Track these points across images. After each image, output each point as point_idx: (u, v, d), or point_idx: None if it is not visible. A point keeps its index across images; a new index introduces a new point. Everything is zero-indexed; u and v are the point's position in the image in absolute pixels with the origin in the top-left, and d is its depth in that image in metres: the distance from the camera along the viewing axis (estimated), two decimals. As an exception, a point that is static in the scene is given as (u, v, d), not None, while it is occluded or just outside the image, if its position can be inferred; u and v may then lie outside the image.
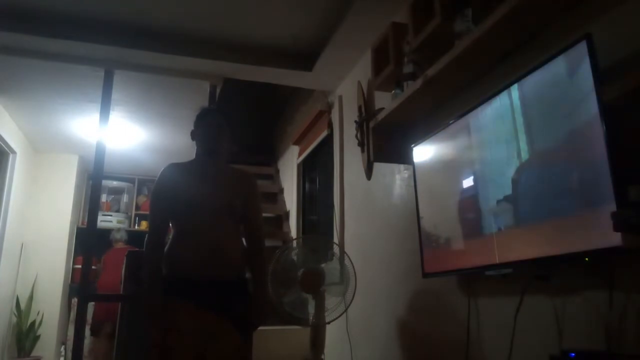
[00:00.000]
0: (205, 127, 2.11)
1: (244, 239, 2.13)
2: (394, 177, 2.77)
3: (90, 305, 4.80)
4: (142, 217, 6.25)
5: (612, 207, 1.24)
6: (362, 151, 3.02)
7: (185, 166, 2.13)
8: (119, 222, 6.04)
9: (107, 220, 5.97)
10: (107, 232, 5.57)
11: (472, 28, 1.82)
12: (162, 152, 5.14)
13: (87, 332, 4.59)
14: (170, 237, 2.05)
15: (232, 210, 2.04)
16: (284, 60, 3.43)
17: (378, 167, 2.97)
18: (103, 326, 4.60)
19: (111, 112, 3.51)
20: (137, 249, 4.16)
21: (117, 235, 5.35)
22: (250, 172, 2.47)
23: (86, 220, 3.73)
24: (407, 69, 2.30)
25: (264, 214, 5.11)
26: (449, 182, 2.05)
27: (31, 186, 5.24)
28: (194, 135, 2.15)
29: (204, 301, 1.90)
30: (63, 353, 5.15)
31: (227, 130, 2.13)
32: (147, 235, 2.05)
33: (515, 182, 1.64)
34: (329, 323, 2.65)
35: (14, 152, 4.66)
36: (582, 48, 1.37)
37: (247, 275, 2.09)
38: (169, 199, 2.02)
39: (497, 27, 1.67)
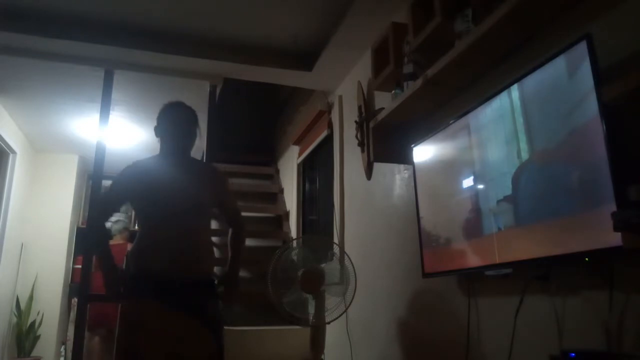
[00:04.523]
0: (170, 123, 2.05)
1: (227, 225, 2.16)
2: (394, 177, 2.77)
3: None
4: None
5: (612, 207, 1.24)
6: (362, 151, 3.02)
7: (150, 163, 2.07)
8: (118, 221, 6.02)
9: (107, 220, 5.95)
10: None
11: (472, 28, 1.82)
12: (162, 152, 5.13)
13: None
14: (137, 236, 2.01)
15: (201, 208, 2.01)
16: (284, 60, 3.43)
17: (378, 167, 2.97)
18: (95, 332, 4.29)
19: (111, 112, 3.50)
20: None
21: (116, 227, 4.91)
22: (213, 164, 2.39)
23: (86, 220, 3.72)
24: (407, 69, 2.30)
25: (264, 214, 5.12)
26: (449, 182, 2.05)
27: (31, 186, 5.23)
28: (157, 131, 2.07)
29: (173, 302, 1.85)
30: (63, 353, 5.14)
31: (193, 125, 2.07)
32: (93, 219, 2.06)
33: (515, 182, 1.64)
34: (329, 323, 2.65)
35: (14, 152, 4.66)
36: (582, 48, 1.37)
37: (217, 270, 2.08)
38: (134, 196, 1.99)
39: (497, 27, 1.67)
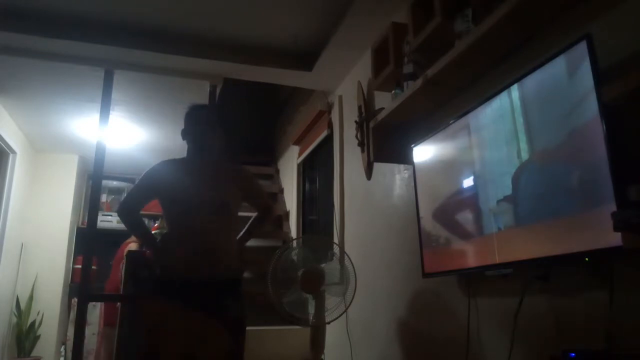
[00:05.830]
0: (196, 125, 2.10)
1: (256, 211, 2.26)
2: (394, 177, 2.77)
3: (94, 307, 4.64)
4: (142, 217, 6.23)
5: (612, 207, 1.24)
6: (362, 151, 3.02)
7: (178, 164, 2.11)
8: (118, 222, 6.02)
9: (107, 220, 5.95)
10: (107, 232, 5.54)
11: (472, 28, 1.82)
12: (162, 152, 5.11)
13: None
14: (162, 235, 2.05)
15: (228, 208, 2.03)
16: (284, 60, 3.43)
17: (378, 167, 2.97)
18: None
19: (111, 112, 3.50)
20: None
21: None
22: (239, 165, 2.44)
23: (86, 220, 3.72)
24: (407, 69, 2.30)
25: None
26: (449, 182, 2.05)
27: (31, 186, 5.23)
28: (184, 134, 2.13)
29: (195, 302, 1.87)
30: (63, 353, 5.14)
31: (218, 126, 2.12)
32: (120, 203, 2.11)
33: (515, 182, 1.64)
34: (329, 323, 2.65)
35: (14, 152, 4.66)
36: (582, 48, 1.37)
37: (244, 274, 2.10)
38: (162, 193, 2.02)
39: (497, 27, 1.67)
